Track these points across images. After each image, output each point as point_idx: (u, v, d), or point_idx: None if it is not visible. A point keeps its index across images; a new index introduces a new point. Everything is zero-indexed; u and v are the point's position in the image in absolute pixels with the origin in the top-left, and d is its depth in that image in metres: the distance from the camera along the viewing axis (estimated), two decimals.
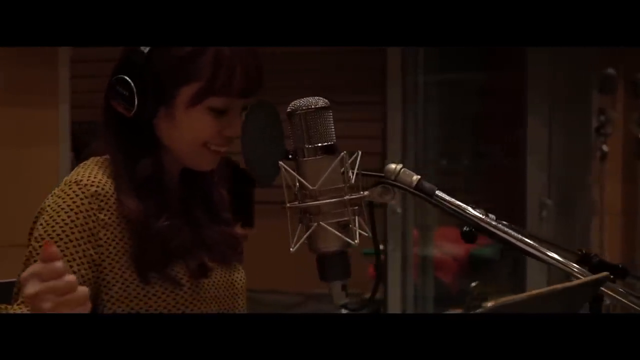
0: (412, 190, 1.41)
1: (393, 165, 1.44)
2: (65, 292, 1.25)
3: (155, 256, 1.50)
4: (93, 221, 1.49)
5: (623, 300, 1.28)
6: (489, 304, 0.97)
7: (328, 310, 1.40)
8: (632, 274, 1.51)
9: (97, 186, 1.51)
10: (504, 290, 4.26)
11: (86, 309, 1.29)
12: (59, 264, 1.25)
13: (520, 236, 1.39)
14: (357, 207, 1.39)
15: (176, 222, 1.53)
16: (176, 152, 1.56)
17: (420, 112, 4.44)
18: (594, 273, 1.47)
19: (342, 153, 1.38)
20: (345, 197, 1.37)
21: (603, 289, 1.26)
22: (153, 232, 1.50)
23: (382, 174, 1.44)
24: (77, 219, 1.48)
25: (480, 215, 1.43)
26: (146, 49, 1.51)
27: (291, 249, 1.38)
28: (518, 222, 4.16)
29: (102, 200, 1.50)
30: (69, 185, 1.51)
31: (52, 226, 1.48)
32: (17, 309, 1.42)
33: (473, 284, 4.33)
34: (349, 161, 1.40)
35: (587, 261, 1.54)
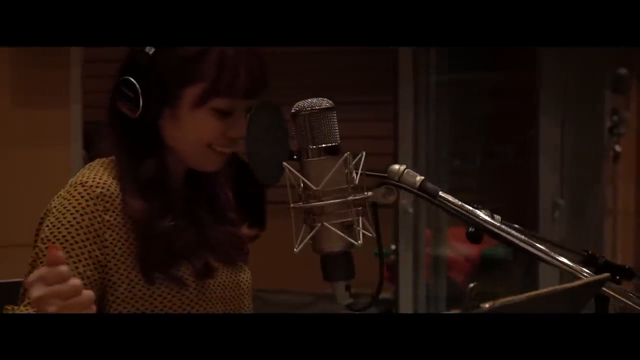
0: (415, 191, 1.42)
1: (397, 166, 1.44)
2: (70, 295, 1.26)
3: (160, 257, 1.51)
4: (98, 222, 1.50)
5: (625, 300, 1.28)
6: (487, 305, 0.97)
7: (338, 310, 1.40)
8: (639, 275, 1.51)
9: (103, 187, 1.51)
10: (515, 291, 4.25)
11: (91, 312, 1.30)
12: (63, 267, 1.26)
13: (523, 237, 1.39)
14: (360, 208, 1.39)
15: (181, 223, 1.54)
16: (180, 153, 1.57)
17: (431, 112, 4.43)
18: (599, 274, 1.47)
19: (346, 154, 1.39)
20: (348, 198, 1.37)
21: (605, 289, 1.25)
22: (158, 232, 1.51)
23: (386, 175, 1.44)
24: (83, 220, 1.49)
25: (485, 217, 1.43)
26: (151, 50, 1.52)
27: (295, 250, 1.39)
28: (530, 222, 4.17)
29: (107, 202, 1.51)
30: (75, 187, 1.52)
31: (58, 227, 1.49)
32: (23, 309, 1.43)
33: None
34: (353, 162, 1.40)
35: (593, 262, 1.54)
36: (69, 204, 1.50)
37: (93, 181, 1.52)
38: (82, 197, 1.50)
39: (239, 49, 1.52)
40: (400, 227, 4.34)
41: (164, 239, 1.51)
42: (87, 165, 1.58)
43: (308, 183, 1.38)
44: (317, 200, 1.37)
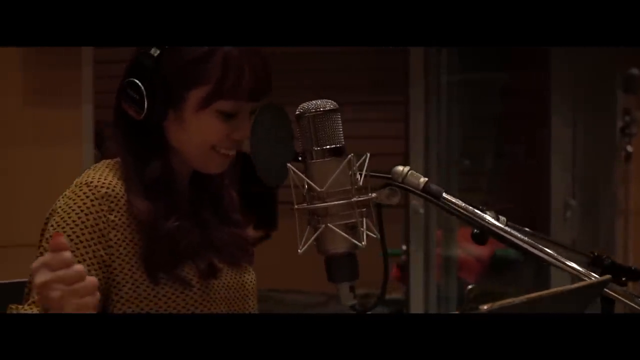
0: (419, 192, 1.42)
1: (400, 168, 1.45)
2: (74, 281, 1.27)
3: (164, 257, 1.52)
4: (103, 222, 1.51)
5: (628, 302, 1.27)
6: (485, 307, 0.97)
7: (347, 310, 1.41)
8: None
9: (108, 188, 1.52)
10: (525, 292, 4.23)
11: (95, 298, 1.30)
12: (67, 253, 1.27)
13: (527, 239, 1.38)
14: (364, 209, 1.39)
15: (185, 224, 1.55)
16: (185, 154, 1.57)
17: (442, 112, 4.43)
18: (605, 275, 1.47)
19: (350, 155, 1.39)
20: (352, 199, 1.38)
21: (607, 290, 1.25)
22: (162, 233, 1.52)
23: (390, 176, 1.44)
24: (88, 220, 1.50)
25: (490, 218, 1.42)
26: (156, 52, 1.52)
27: (299, 250, 1.39)
28: (542, 222, 4.15)
29: (112, 202, 1.52)
30: (80, 187, 1.53)
31: (63, 227, 1.50)
32: (27, 309, 1.44)
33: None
34: (357, 163, 1.40)
35: (599, 263, 1.54)
36: (74, 203, 1.51)
37: (98, 181, 1.53)
38: (87, 197, 1.51)
39: (243, 51, 1.52)
40: (411, 227, 4.34)
41: (168, 240, 1.52)
42: (92, 166, 1.59)
43: (312, 184, 1.38)
44: (321, 201, 1.38)
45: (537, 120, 4.34)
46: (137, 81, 1.52)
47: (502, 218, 1.47)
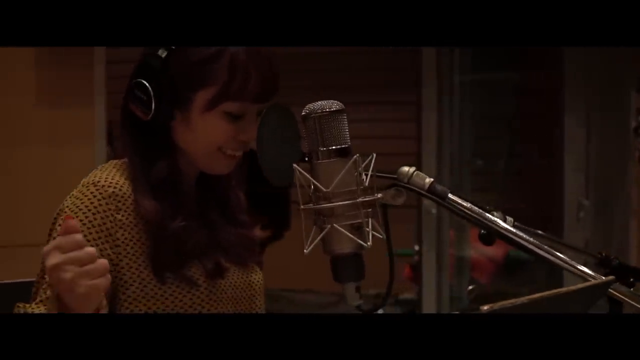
0: (424, 193, 1.42)
1: (406, 168, 1.45)
2: (86, 262, 1.28)
3: (171, 257, 1.53)
4: (110, 222, 1.51)
5: (633, 302, 1.27)
6: (485, 308, 0.97)
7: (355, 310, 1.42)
8: None
9: (115, 187, 1.53)
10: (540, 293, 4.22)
11: (106, 280, 1.31)
12: (78, 236, 1.28)
13: (533, 240, 1.38)
14: (370, 209, 1.39)
15: (192, 224, 1.55)
16: (192, 155, 1.58)
17: (455, 112, 4.42)
18: (613, 276, 1.46)
19: (355, 156, 1.39)
20: (358, 200, 1.38)
21: (612, 291, 1.25)
22: (169, 233, 1.53)
23: (395, 176, 1.44)
24: (95, 219, 1.51)
25: (496, 219, 1.42)
26: (163, 54, 1.53)
27: (305, 251, 1.40)
28: (555, 223, 4.13)
29: (119, 201, 1.53)
30: (87, 187, 1.54)
31: None
32: (35, 307, 1.45)
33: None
34: (363, 164, 1.40)
35: (607, 264, 1.53)
36: (81, 203, 1.52)
37: (105, 181, 1.54)
38: (95, 196, 1.52)
39: (250, 53, 1.53)
40: (423, 227, 4.33)
41: (175, 240, 1.53)
42: (99, 166, 1.60)
43: (318, 185, 1.38)
44: (327, 201, 1.38)
45: (550, 120, 4.33)
46: (145, 82, 1.53)
47: (509, 219, 1.47)
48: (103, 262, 1.30)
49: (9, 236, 3.57)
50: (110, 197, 1.52)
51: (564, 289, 1.10)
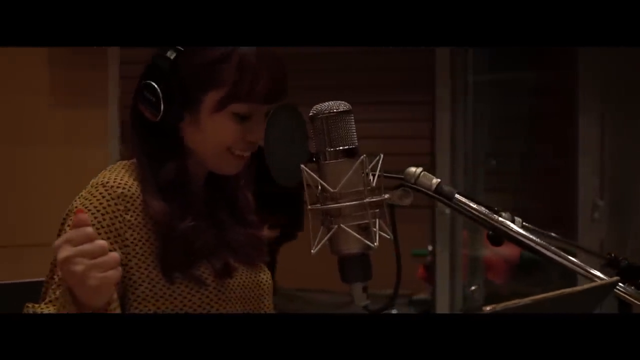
0: (431, 193, 1.42)
1: (413, 169, 1.45)
2: (97, 255, 1.29)
3: (179, 256, 1.53)
4: (119, 222, 1.52)
5: (638, 303, 1.26)
6: (488, 308, 0.97)
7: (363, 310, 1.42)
8: None
9: (124, 188, 1.54)
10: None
11: (117, 273, 1.31)
12: (89, 229, 1.29)
13: (539, 240, 1.38)
14: (377, 210, 1.39)
15: (200, 224, 1.56)
16: (201, 156, 1.59)
17: (469, 112, 4.42)
18: (621, 277, 1.46)
19: (362, 156, 1.39)
20: (365, 200, 1.38)
21: (617, 291, 1.24)
22: (178, 233, 1.53)
23: (402, 177, 1.44)
24: (104, 220, 1.51)
25: (503, 219, 1.42)
26: (172, 55, 1.54)
27: (312, 251, 1.40)
28: (569, 223, 4.11)
29: (128, 202, 1.53)
30: (96, 187, 1.54)
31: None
32: (44, 307, 1.45)
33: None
34: (371, 165, 1.40)
35: (616, 265, 1.53)
36: (90, 204, 1.52)
37: (114, 182, 1.55)
38: (104, 197, 1.53)
39: (259, 54, 1.53)
40: (437, 228, 4.34)
41: (184, 240, 1.53)
42: (108, 167, 1.61)
43: (325, 185, 1.38)
44: (334, 202, 1.38)
45: (564, 120, 4.31)
46: (154, 83, 1.54)
47: (517, 219, 1.47)
48: (114, 254, 1.31)
49: (24, 236, 3.59)
50: (119, 197, 1.53)
51: (567, 290, 1.10)
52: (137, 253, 1.53)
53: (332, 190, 1.38)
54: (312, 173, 1.39)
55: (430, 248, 4.44)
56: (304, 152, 1.45)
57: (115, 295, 1.41)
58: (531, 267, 4.54)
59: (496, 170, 4.58)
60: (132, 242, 1.52)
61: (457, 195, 1.42)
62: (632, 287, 1.36)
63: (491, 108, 4.52)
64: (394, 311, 4.52)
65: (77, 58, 3.55)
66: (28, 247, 3.35)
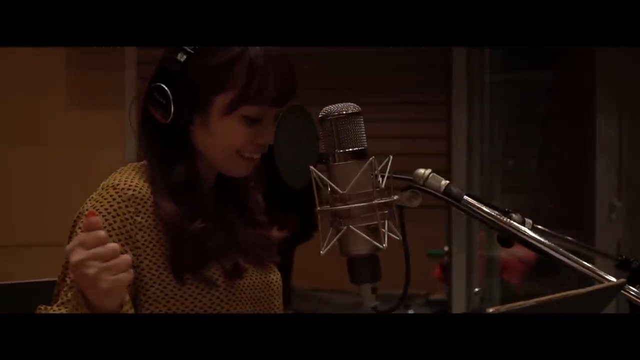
0: (440, 195, 1.42)
1: (422, 170, 1.45)
2: (109, 257, 1.31)
3: (190, 258, 1.54)
4: (130, 224, 1.53)
5: None
6: (492, 310, 0.97)
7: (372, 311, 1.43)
8: None
9: (134, 190, 1.55)
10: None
11: (129, 275, 1.33)
12: (101, 232, 1.30)
13: (549, 242, 1.38)
14: (386, 211, 1.40)
15: (211, 225, 1.57)
16: (210, 158, 1.60)
17: (485, 112, 4.40)
18: (633, 278, 1.46)
19: (371, 158, 1.40)
20: (374, 202, 1.38)
21: (625, 293, 1.24)
22: (188, 235, 1.54)
23: (411, 178, 1.45)
24: (115, 222, 1.53)
25: (512, 222, 1.42)
26: (182, 58, 1.55)
27: (321, 252, 1.41)
28: (587, 224, 4.09)
29: (138, 204, 1.54)
30: (107, 190, 1.55)
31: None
32: (56, 309, 1.47)
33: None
34: (380, 166, 1.41)
35: (627, 266, 1.52)
36: (101, 206, 1.53)
37: (125, 184, 1.56)
38: (114, 199, 1.54)
39: (268, 57, 1.54)
40: (453, 228, 4.33)
41: (194, 241, 1.54)
42: (118, 169, 1.62)
43: (334, 187, 1.39)
44: (343, 203, 1.39)
45: (581, 120, 4.29)
46: (164, 86, 1.55)
47: (528, 221, 1.47)
48: (126, 257, 1.33)
49: (43, 235, 3.61)
50: (129, 199, 1.54)
51: (572, 292, 1.10)
52: (148, 255, 1.53)
53: (341, 191, 1.39)
54: (321, 175, 1.40)
55: (446, 248, 4.43)
56: (313, 153, 1.46)
57: (127, 297, 1.42)
58: (547, 268, 4.52)
59: (513, 171, 4.56)
60: (143, 244, 1.53)
61: (465, 197, 1.42)
62: None
63: (508, 108, 4.50)
64: (410, 311, 4.51)
65: (94, 58, 3.57)
66: (53, 247, 3.38)
